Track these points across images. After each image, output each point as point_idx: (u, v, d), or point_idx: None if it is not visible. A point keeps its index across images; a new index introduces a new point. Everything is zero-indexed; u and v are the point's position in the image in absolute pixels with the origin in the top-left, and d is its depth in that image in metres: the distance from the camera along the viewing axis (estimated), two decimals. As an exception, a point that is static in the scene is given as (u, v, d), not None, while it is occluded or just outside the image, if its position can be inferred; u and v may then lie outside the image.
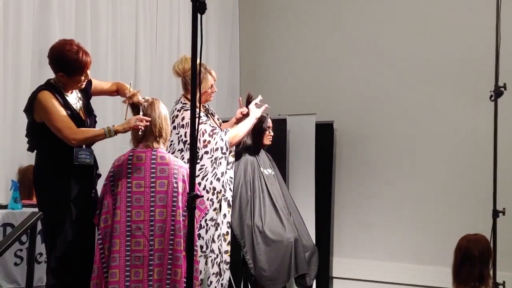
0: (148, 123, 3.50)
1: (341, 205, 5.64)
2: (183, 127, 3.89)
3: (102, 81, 3.95)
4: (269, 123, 4.52)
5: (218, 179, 3.93)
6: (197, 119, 2.62)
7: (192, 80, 2.64)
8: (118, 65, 5.19)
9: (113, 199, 3.56)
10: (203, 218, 3.84)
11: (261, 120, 4.40)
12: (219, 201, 3.97)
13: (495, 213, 4.49)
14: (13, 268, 3.79)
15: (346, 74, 5.72)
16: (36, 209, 3.80)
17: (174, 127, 3.92)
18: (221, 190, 3.95)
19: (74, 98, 3.58)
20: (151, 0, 5.52)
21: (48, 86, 3.50)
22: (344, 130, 5.66)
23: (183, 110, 3.92)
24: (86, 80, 3.56)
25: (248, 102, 4.30)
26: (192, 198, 2.59)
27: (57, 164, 3.47)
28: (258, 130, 4.45)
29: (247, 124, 4.13)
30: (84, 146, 3.47)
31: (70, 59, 3.41)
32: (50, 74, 4.70)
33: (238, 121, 4.28)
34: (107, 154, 4.90)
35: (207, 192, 3.91)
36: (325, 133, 5.55)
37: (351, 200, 5.59)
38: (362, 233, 5.51)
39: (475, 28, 5.07)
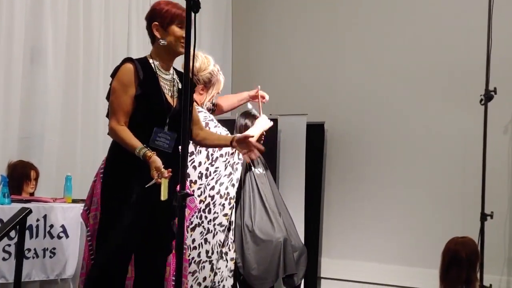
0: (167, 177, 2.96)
1: (331, 205, 5.65)
2: None
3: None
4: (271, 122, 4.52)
5: (233, 185, 3.96)
6: (187, 123, 2.62)
7: (185, 78, 2.64)
8: (110, 62, 5.18)
9: (102, 196, 3.55)
10: (192, 216, 3.84)
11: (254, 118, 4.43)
12: (231, 208, 4.00)
13: (483, 217, 4.53)
14: (1, 263, 3.77)
15: (338, 75, 5.73)
16: (24, 205, 3.79)
17: None
18: (234, 196, 3.98)
19: (169, 78, 3.23)
20: (144, -3, 5.52)
21: (138, 59, 3.17)
22: (335, 131, 5.67)
23: (197, 112, 3.86)
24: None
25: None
26: (182, 197, 2.58)
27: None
28: (242, 129, 4.45)
29: (254, 132, 4.17)
30: (166, 129, 3.13)
31: (163, 6, 3.15)
32: (43, 71, 4.73)
33: (253, 98, 4.34)
34: (99, 150, 4.90)
35: (221, 197, 3.92)
36: (316, 134, 5.55)
37: (341, 201, 5.60)
38: (351, 234, 5.52)
39: (467, 32, 5.10)
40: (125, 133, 3.07)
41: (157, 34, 3.17)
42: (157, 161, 2.98)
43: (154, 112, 3.13)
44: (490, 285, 4.44)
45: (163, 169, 2.96)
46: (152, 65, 3.18)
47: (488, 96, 4.57)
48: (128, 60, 3.17)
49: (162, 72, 3.21)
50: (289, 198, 4.93)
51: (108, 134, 3.17)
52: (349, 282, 5.46)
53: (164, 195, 2.90)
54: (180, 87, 3.23)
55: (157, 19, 3.15)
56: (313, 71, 5.86)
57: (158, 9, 3.18)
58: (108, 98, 3.19)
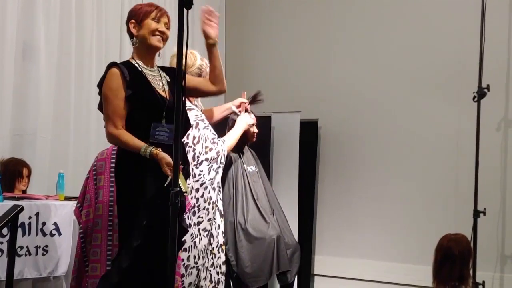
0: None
1: (324, 203, 5.65)
2: None
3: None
4: (253, 119, 4.52)
5: (214, 189, 3.95)
6: (180, 120, 2.61)
7: (177, 77, 2.63)
8: (103, 59, 5.17)
9: (95, 193, 3.54)
10: (185, 214, 3.83)
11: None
12: (214, 212, 3.98)
13: (476, 213, 4.54)
14: (-7, 261, 3.76)
15: (331, 72, 5.74)
16: (17, 202, 3.78)
17: None
18: (216, 201, 3.96)
19: (155, 74, 3.27)
20: (137, -6, 5.50)
21: (121, 63, 3.23)
22: (328, 128, 5.67)
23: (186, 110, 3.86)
24: (164, 37, 3.22)
25: (254, 98, 4.38)
26: (175, 194, 2.57)
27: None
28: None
29: (237, 133, 4.19)
30: (164, 122, 3.13)
31: (137, 6, 3.28)
32: (35, 68, 4.71)
33: (237, 107, 4.34)
34: (91, 148, 4.89)
35: (204, 201, 3.90)
36: (309, 131, 5.56)
37: (334, 198, 5.61)
38: (344, 232, 5.53)
39: (460, 30, 5.11)
40: (126, 136, 3.07)
41: (133, 31, 3.23)
42: (166, 156, 3.00)
43: (149, 109, 3.13)
44: (483, 281, 4.45)
45: None
46: (136, 65, 3.21)
47: (481, 93, 4.58)
48: (112, 65, 3.20)
49: (147, 69, 3.23)
50: (283, 195, 4.93)
51: (108, 141, 3.16)
52: (342, 279, 5.47)
53: (185, 188, 2.89)
54: (168, 80, 3.27)
55: (132, 18, 3.24)
56: (306, 69, 5.86)
57: (133, 9, 3.28)
58: (99, 107, 3.20)
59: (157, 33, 3.19)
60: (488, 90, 4.58)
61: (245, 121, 4.27)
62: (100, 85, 3.17)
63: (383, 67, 5.47)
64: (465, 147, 4.91)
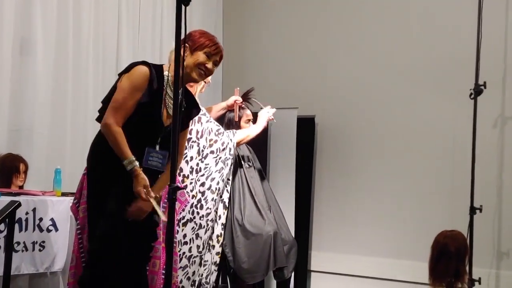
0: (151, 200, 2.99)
1: (321, 199, 5.66)
2: None
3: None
4: (249, 115, 4.52)
5: (223, 180, 3.97)
6: (178, 113, 2.62)
7: (175, 74, 2.63)
8: (100, 54, 5.16)
9: (92, 190, 3.53)
10: (183, 210, 3.84)
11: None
12: (223, 202, 4.01)
13: (472, 210, 4.55)
14: (-10, 256, 3.76)
15: (328, 69, 5.74)
16: (14, 198, 3.78)
17: None
18: (227, 191, 3.99)
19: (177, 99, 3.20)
20: (135, -10, 5.49)
21: (154, 66, 3.14)
22: (325, 124, 5.68)
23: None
24: (207, 73, 3.19)
25: (246, 95, 4.40)
26: (173, 190, 2.58)
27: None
28: (232, 122, 4.45)
29: (256, 130, 4.23)
30: (157, 148, 3.11)
31: (199, 34, 3.18)
32: (32, 63, 4.70)
33: (229, 107, 4.33)
34: (88, 143, 4.88)
35: (212, 192, 3.93)
36: (306, 127, 5.56)
37: (331, 194, 5.61)
38: (341, 228, 5.54)
39: (457, 26, 5.11)
40: (121, 138, 3.04)
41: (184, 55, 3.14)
42: (146, 179, 2.99)
43: (145, 126, 3.10)
44: (479, 278, 4.47)
45: (149, 188, 2.98)
46: (165, 78, 3.15)
47: (477, 90, 4.58)
48: (146, 64, 3.12)
49: (171, 89, 3.15)
50: (280, 192, 4.94)
51: (101, 129, 3.12)
52: (339, 275, 5.48)
53: (161, 215, 2.94)
54: (182, 109, 3.21)
55: (188, 41, 3.12)
56: (304, 65, 5.86)
57: (193, 33, 3.19)
58: (113, 88, 3.13)
59: (202, 67, 3.15)
60: (485, 87, 4.59)
61: (262, 122, 4.31)
62: (126, 71, 3.11)
63: (380, 63, 5.47)
64: (462, 144, 4.92)
